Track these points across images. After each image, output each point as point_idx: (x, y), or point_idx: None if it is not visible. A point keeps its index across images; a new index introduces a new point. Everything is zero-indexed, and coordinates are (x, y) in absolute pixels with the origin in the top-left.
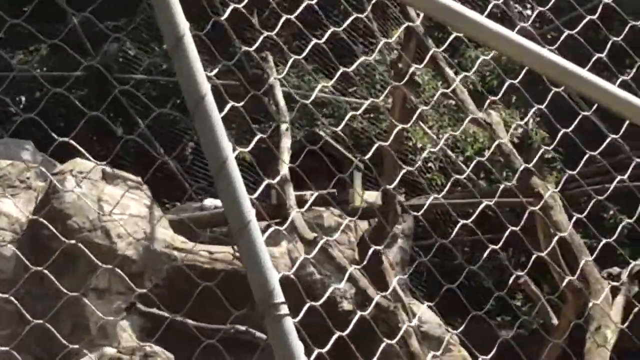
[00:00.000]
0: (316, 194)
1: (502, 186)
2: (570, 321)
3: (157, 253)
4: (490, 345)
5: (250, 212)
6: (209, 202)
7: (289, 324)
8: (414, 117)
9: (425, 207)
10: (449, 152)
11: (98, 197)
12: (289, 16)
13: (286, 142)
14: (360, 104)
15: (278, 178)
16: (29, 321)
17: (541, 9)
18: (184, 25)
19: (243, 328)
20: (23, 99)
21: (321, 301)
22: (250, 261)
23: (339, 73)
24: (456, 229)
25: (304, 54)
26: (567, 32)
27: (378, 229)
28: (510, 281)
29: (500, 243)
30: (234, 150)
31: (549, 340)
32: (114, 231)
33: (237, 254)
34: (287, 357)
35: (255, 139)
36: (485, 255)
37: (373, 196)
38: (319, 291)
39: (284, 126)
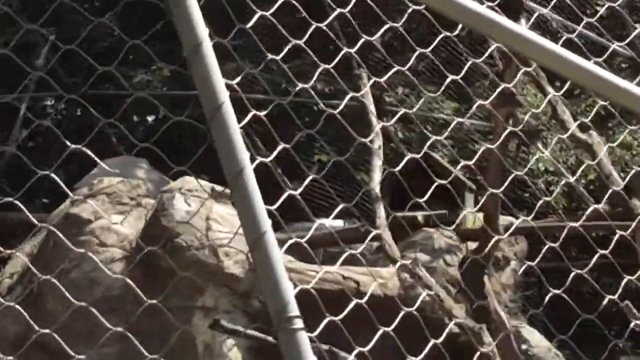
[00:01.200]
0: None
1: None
2: None
3: None
4: None
5: (266, 223)
6: (325, 222)
7: (303, 338)
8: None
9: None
10: (565, 175)
11: (206, 216)
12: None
13: (377, 161)
14: (480, 125)
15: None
16: (137, 338)
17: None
18: (202, 32)
19: (326, 346)
20: (149, 118)
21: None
22: (264, 273)
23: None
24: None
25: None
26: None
27: (480, 251)
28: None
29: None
30: (252, 160)
31: None
32: (222, 249)
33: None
34: None
35: (279, 148)
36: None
37: None
38: (427, 313)
39: (375, 144)
